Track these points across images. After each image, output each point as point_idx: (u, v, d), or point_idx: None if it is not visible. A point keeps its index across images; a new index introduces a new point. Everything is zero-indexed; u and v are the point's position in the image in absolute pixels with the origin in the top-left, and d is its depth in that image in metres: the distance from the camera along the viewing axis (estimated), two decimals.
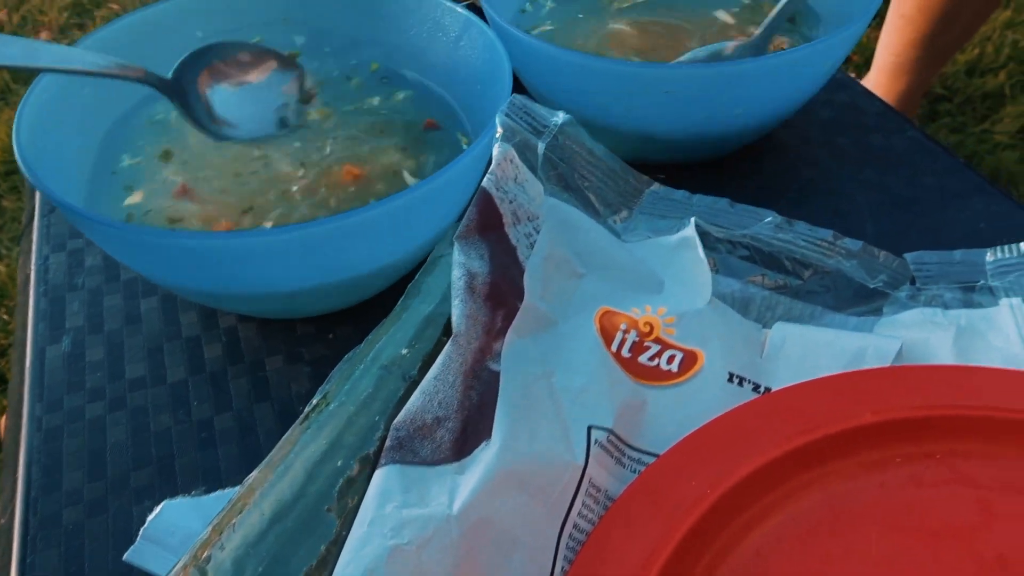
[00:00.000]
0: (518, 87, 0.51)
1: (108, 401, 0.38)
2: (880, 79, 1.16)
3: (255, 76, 0.42)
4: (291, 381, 0.39)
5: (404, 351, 0.31)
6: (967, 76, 1.50)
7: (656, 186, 0.40)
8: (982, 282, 0.38)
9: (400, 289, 0.35)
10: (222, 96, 0.41)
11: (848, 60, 1.54)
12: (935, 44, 1.06)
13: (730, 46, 0.48)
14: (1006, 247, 0.39)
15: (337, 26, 0.48)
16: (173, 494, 0.33)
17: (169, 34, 0.45)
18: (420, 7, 0.45)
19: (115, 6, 1.78)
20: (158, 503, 0.31)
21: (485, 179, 0.33)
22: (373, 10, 0.47)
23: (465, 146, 0.43)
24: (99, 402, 0.38)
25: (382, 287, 0.40)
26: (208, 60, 0.41)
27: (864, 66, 1.35)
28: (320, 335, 0.41)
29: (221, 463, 0.36)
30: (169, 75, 0.41)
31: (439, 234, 0.37)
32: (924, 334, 0.36)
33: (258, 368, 0.40)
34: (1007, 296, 0.37)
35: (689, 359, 0.34)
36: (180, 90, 0.41)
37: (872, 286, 0.39)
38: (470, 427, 0.29)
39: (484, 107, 0.41)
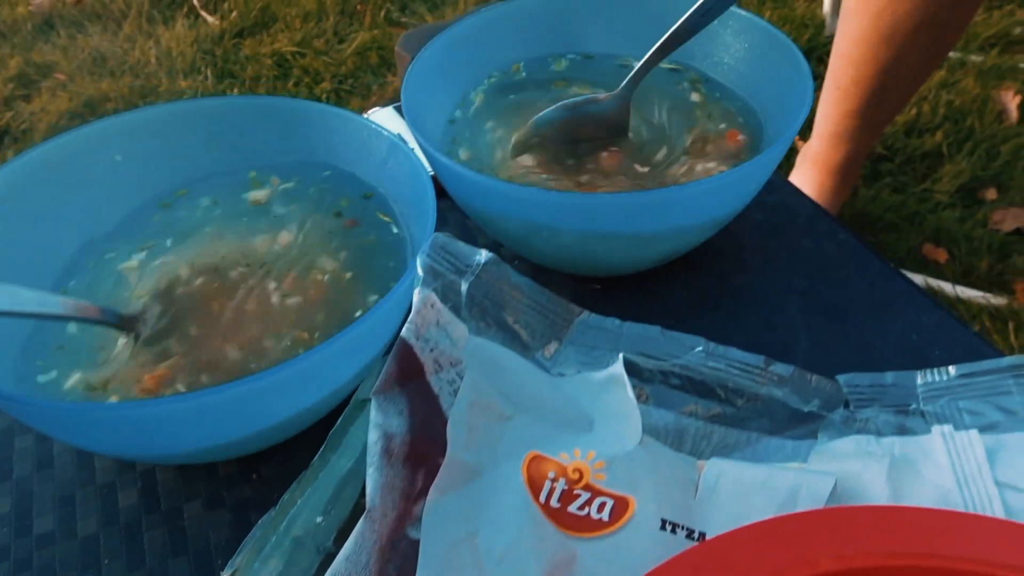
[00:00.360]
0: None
1: (14, 561, 0.36)
2: (821, 147, 1.19)
3: None
4: (211, 529, 0.37)
5: (319, 519, 0.30)
6: (906, 136, 1.55)
7: (585, 315, 0.39)
8: (914, 406, 0.38)
9: (330, 421, 0.33)
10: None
11: None
12: (871, 115, 1.09)
13: (602, 95, 0.49)
14: (935, 370, 0.39)
15: (265, 144, 0.47)
16: None
17: (88, 157, 0.44)
18: (345, 127, 0.45)
19: (61, 76, 1.76)
20: None
21: (404, 329, 0.32)
22: (301, 131, 0.46)
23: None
24: (3, 563, 0.36)
25: (306, 426, 0.39)
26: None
27: (806, 129, 1.38)
28: (243, 476, 0.39)
29: None
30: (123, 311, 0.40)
31: (361, 374, 0.36)
32: (858, 466, 0.36)
33: (175, 516, 0.38)
34: (939, 423, 0.37)
35: (620, 506, 0.34)
36: (134, 326, 0.40)
37: (806, 410, 0.39)
38: None
39: (413, 234, 0.40)
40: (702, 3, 0.45)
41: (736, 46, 0.52)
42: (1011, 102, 1.54)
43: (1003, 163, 1.46)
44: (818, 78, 1.17)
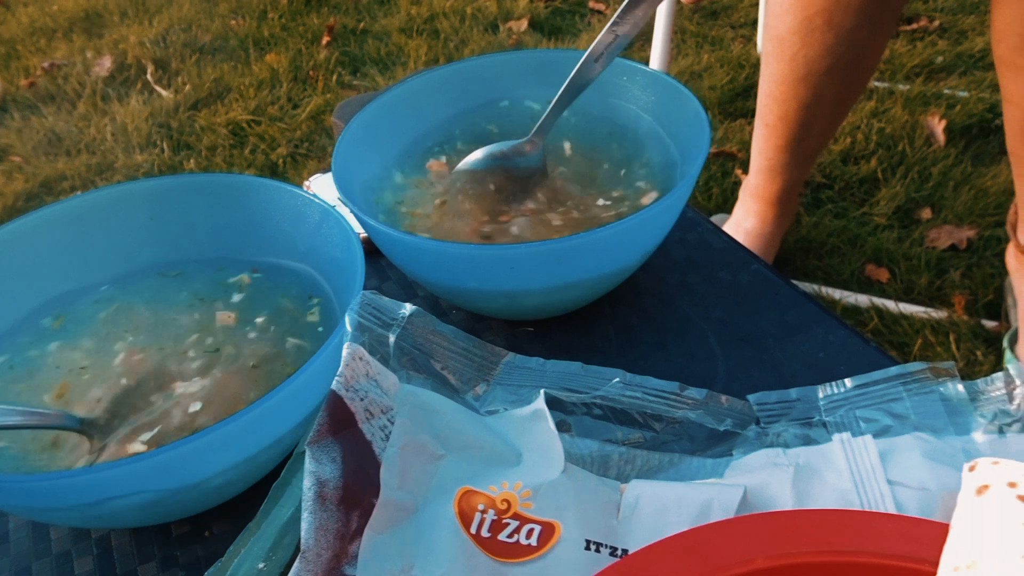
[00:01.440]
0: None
1: None
2: (758, 180, 1.24)
3: None
4: None
5: (261, 565, 0.32)
6: (843, 164, 1.61)
7: (510, 356, 0.42)
8: (817, 418, 0.42)
9: (277, 476, 0.36)
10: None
11: (734, 157, 1.64)
12: (799, 148, 1.14)
13: (520, 142, 0.53)
14: (834, 383, 0.42)
15: (206, 219, 0.50)
16: None
17: (33, 245, 0.46)
18: (281, 197, 0.48)
19: (16, 158, 1.78)
20: None
21: (334, 382, 0.35)
22: (238, 203, 0.49)
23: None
24: None
25: (254, 482, 0.41)
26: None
27: (748, 162, 1.45)
28: (196, 534, 0.41)
29: None
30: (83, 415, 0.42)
31: (299, 428, 0.39)
32: (766, 477, 0.39)
33: None
34: (838, 431, 0.41)
35: (547, 531, 0.36)
36: (97, 428, 0.42)
37: (721, 429, 0.42)
38: None
39: (344, 290, 0.43)
40: (592, 50, 0.49)
41: (644, 99, 0.56)
42: (937, 127, 1.62)
43: (935, 184, 1.53)
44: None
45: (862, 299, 1.31)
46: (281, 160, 1.71)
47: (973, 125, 1.63)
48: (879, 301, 1.31)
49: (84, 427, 0.41)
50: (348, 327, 0.37)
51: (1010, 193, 1.44)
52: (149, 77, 2.01)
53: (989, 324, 1.25)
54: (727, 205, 1.47)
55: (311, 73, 1.99)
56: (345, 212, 0.47)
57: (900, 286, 1.34)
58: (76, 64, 2.10)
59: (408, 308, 0.39)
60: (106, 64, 2.06)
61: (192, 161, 1.72)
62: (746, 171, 1.38)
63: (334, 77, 1.97)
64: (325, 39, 2.10)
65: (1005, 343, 1.15)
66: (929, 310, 1.28)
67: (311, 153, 1.75)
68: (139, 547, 0.41)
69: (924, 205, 1.50)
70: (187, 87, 1.96)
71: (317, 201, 0.46)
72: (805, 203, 1.50)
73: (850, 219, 1.49)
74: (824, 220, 1.50)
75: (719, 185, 1.56)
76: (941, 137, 1.60)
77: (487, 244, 0.49)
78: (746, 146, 1.56)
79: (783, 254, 1.39)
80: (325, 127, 1.81)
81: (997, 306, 1.29)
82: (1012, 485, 0.32)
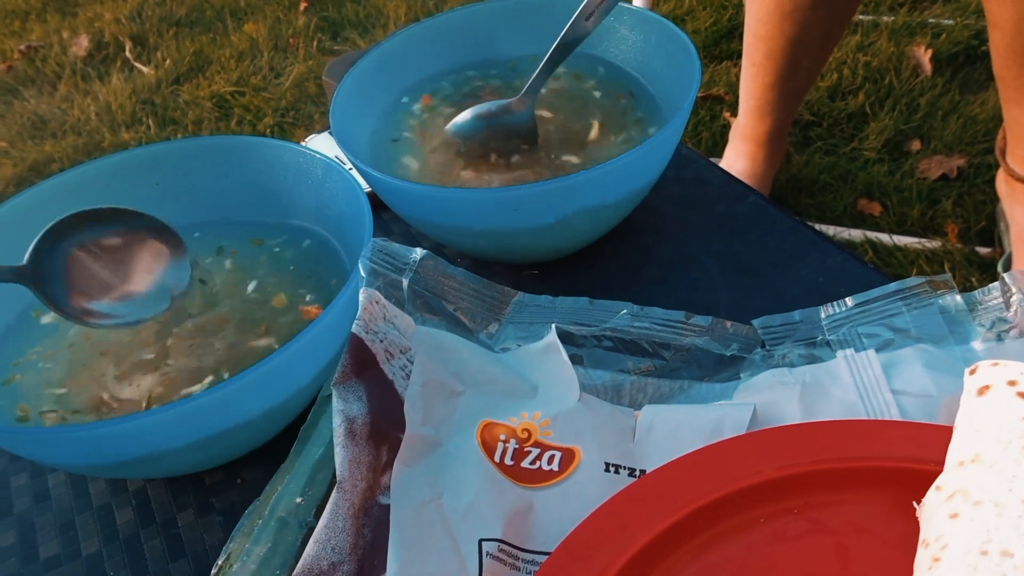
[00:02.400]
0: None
1: None
2: (747, 121, 1.24)
3: (135, 256, 0.43)
4: (204, 533, 0.41)
5: (299, 499, 0.34)
6: (831, 100, 1.61)
7: (520, 295, 0.43)
8: (820, 337, 0.43)
9: (302, 422, 0.37)
10: (95, 279, 0.42)
11: (722, 100, 1.64)
12: (787, 85, 1.15)
13: (510, 101, 0.53)
14: (836, 303, 0.43)
15: (211, 182, 0.51)
16: None
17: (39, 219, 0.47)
18: (283, 155, 0.49)
19: (2, 143, 1.77)
20: None
21: (354, 325, 0.36)
22: (242, 165, 0.50)
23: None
24: None
25: (280, 429, 0.42)
26: (74, 240, 0.41)
27: (736, 104, 1.45)
28: (229, 481, 0.43)
29: None
30: (24, 260, 0.40)
31: (322, 373, 0.40)
32: (774, 395, 0.40)
33: (170, 526, 0.41)
34: (842, 348, 0.42)
35: (568, 456, 0.38)
36: (37, 276, 0.39)
37: (728, 354, 0.44)
38: (366, 565, 0.32)
39: (353, 245, 0.44)
40: (583, 8, 0.49)
41: (632, 38, 0.57)
42: (924, 56, 1.61)
43: (923, 115, 1.53)
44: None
45: (856, 234, 1.32)
46: (268, 130, 1.70)
47: (959, 53, 1.63)
48: (873, 235, 1.32)
49: (16, 277, 0.39)
50: (362, 273, 0.38)
51: (998, 119, 1.44)
52: (128, 54, 1.98)
53: (983, 251, 1.27)
54: (717, 149, 1.47)
55: (291, 40, 1.97)
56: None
57: (893, 219, 1.35)
58: (53, 45, 2.07)
59: (419, 252, 0.40)
60: (83, 43, 2.04)
61: (179, 135, 1.71)
62: (735, 114, 1.38)
63: (315, 43, 1.95)
64: (303, 5, 2.08)
65: (1000, 268, 1.17)
66: (923, 240, 1.29)
67: (298, 122, 1.74)
68: (175, 497, 0.42)
69: (913, 137, 1.50)
70: (167, 62, 1.93)
71: (320, 156, 0.47)
72: (795, 141, 1.51)
73: (840, 155, 1.49)
74: (814, 158, 1.50)
75: (708, 129, 1.56)
76: (928, 67, 1.60)
77: (489, 187, 0.50)
78: (733, 88, 1.55)
79: (775, 193, 1.39)
80: (309, 95, 1.80)
81: (990, 232, 1.30)
82: (1012, 383, 0.34)
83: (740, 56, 1.20)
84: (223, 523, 0.41)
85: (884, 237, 1.31)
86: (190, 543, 0.40)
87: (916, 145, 1.48)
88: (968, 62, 1.61)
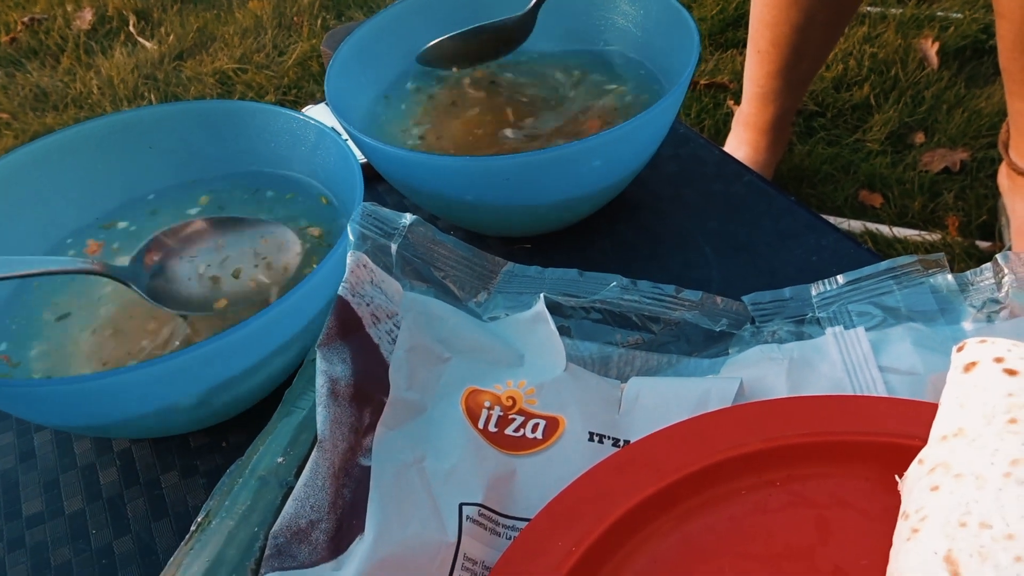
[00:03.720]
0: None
1: (7, 543, 0.39)
2: (750, 108, 1.24)
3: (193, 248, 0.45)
4: (187, 495, 0.41)
5: (280, 459, 0.34)
6: (835, 91, 1.60)
7: (510, 265, 0.43)
8: (810, 314, 0.43)
9: (286, 388, 0.37)
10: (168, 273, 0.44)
11: (726, 88, 1.63)
12: (792, 74, 1.14)
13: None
14: (827, 280, 0.43)
15: (204, 147, 0.50)
16: None
17: (30, 180, 0.47)
18: (276, 121, 0.48)
19: (3, 115, 1.76)
20: None
21: (340, 288, 0.36)
22: (234, 130, 0.49)
23: None
24: None
25: (266, 394, 0.42)
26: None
27: (740, 93, 1.44)
28: (214, 444, 0.43)
29: None
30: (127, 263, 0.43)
31: (303, 334, 0.40)
32: (761, 370, 0.40)
33: (154, 487, 0.41)
34: (831, 325, 0.42)
35: (552, 425, 0.38)
36: (134, 275, 0.43)
37: (717, 329, 0.43)
38: (345, 524, 0.31)
39: (345, 208, 0.44)
40: None
41: (632, 13, 0.56)
42: (930, 49, 1.60)
43: (928, 108, 1.52)
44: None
45: (856, 225, 1.32)
46: None
47: (967, 47, 1.62)
48: (873, 226, 1.31)
49: (119, 275, 0.42)
50: (351, 236, 0.38)
51: (1003, 114, 1.43)
52: (132, 29, 1.98)
53: (983, 244, 1.26)
54: (719, 137, 1.46)
55: (295, 19, 1.96)
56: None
57: (894, 211, 1.35)
58: (56, 18, 2.06)
59: (408, 218, 0.40)
60: (87, 17, 2.03)
61: None
62: (738, 102, 1.38)
63: (319, 21, 1.94)
64: None
65: None
66: (923, 233, 1.29)
67: (300, 100, 1.73)
68: (160, 458, 0.42)
69: (917, 129, 1.50)
70: (171, 38, 1.93)
71: (313, 122, 0.47)
72: (798, 132, 1.50)
73: (843, 146, 1.49)
74: (817, 148, 1.49)
75: (711, 117, 1.55)
76: (934, 60, 1.59)
77: (482, 156, 0.49)
78: (738, 76, 1.54)
79: (776, 182, 1.39)
80: (312, 73, 1.80)
81: (991, 227, 1.29)
82: (998, 360, 0.34)
83: (746, 44, 1.19)
84: (206, 485, 0.41)
85: (884, 229, 1.30)
86: (173, 504, 0.40)
87: (920, 138, 1.47)
88: (975, 56, 1.60)
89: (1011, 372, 0.33)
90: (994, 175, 1.33)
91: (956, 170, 1.39)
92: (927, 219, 1.33)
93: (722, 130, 1.50)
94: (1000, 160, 1.20)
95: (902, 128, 1.49)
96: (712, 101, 1.59)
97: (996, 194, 1.29)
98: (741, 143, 1.29)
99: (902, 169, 1.41)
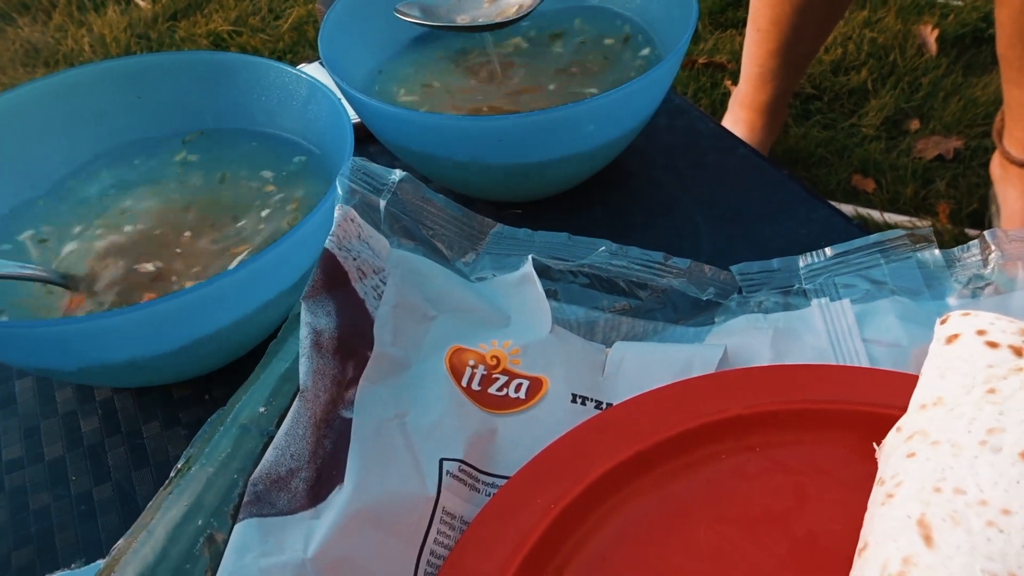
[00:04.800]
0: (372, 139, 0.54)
1: None
2: (748, 88, 1.23)
3: None
4: (169, 445, 0.41)
5: (262, 409, 0.34)
6: (833, 75, 1.60)
7: (499, 227, 0.43)
8: (797, 286, 0.43)
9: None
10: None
11: (724, 68, 1.62)
12: (791, 54, 1.13)
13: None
14: (815, 252, 0.43)
15: (193, 99, 0.50)
16: (53, 569, 0.35)
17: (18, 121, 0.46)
18: (268, 74, 0.48)
19: None
20: None
21: (327, 241, 0.36)
22: (225, 83, 0.49)
23: None
24: None
25: (251, 347, 0.42)
26: None
27: (738, 74, 1.43)
28: (197, 397, 0.43)
29: (102, 534, 0.37)
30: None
31: (290, 291, 0.40)
32: (746, 339, 0.40)
33: (135, 436, 0.41)
34: (817, 297, 0.42)
35: (535, 385, 0.38)
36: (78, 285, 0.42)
37: (704, 298, 0.43)
38: (324, 474, 0.31)
39: (335, 166, 0.43)
40: None
41: None
42: (930, 36, 1.60)
43: (925, 95, 1.52)
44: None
45: (847, 209, 1.32)
46: None
47: (966, 35, 1.61)
48: (864, 211, 1.32)
49: (69, 283, 0.42)
50: (339, 190, 0.38)
51: (999, 103, 1.43)
52: None
53: (972, 232, 1.27)
54: (715, 118, 1.46)
55: None
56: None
57: (886, 196, 1.35)
58: None
59: (398, 174, 0.40)
60: None
61: None
62: (736, 82, 1.37)
63: None
64: None
65: None
66: (914, 219, 1.29)
67: (295, 65, 1.72)
68: (142, 409, 0.42)
69: (913, 116, 1.50)
70: None
71: (305, 76, 0.46)
72: (794, 114, 1.50)
73: (838, 130, 1.49)
74: (812, 131, 1.49)
75: (708, 96, 1.55)
76: (933, 47, 1.58)
77: (475, 115, 0.49)
78: (737, 56, 1.54)
79: None
80: (308, 39, 1.78)
81: (981, 215, 1.30)
82: (981, 333, 0.34)
83: (746, 24, 1.18)
84: (188, 436, 0.41)
85: (875, 214, 1.31)
86: (154, 453, 0.40)
87: (915, 124, 1.47)
88: (974, 44, 1.59)
89: (993, 344, 0.33)
90: (987, 164, 1.33)
91: (950, 158, 1.39)
92: (918, 205, 1.34)
93: (719, 110, 1.50)
94: (994, 149, 1.20)
95: (898, 114, 1.49)
96: (710, 81, 1.58)
97: (988, 182, 1.30)
98: (737, 122, 1.29)
99: (896, 155, 1.41)
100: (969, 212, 1.30)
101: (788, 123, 1.46)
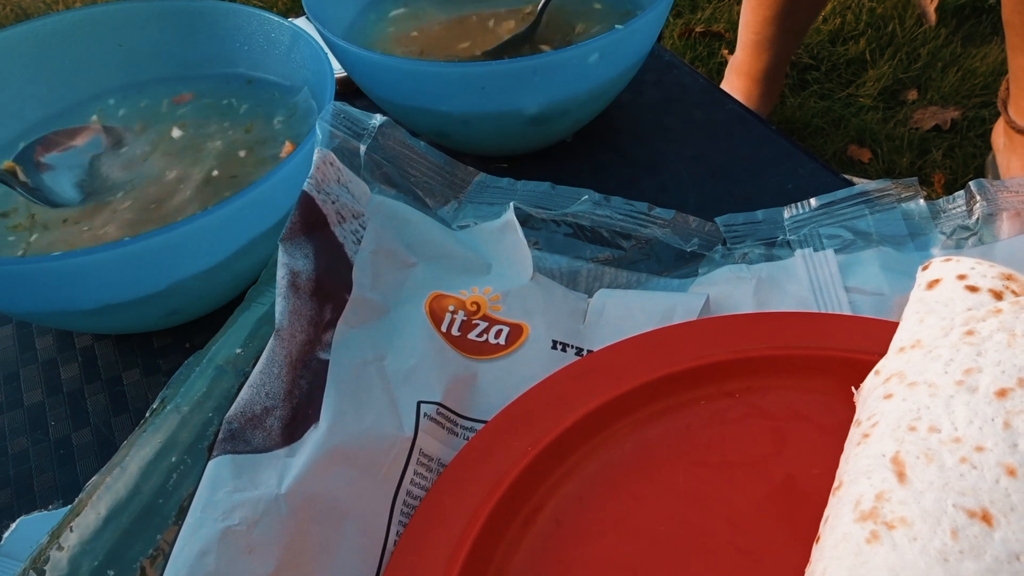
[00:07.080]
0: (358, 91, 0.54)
1: None
2: (744, 56, 1.22)
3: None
4: (149, 392, 0.41)
5: (239, 350, 0.33)
6: (831, 45, 1.58)
7: (481, 176, 0.43)
8: (781, 237, 0.43)
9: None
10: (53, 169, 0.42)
11: (722, 37, 1.61)
12: (788, 21, 1.12)
13: None
14: (800, 203, 0.43)
15: (176, 47, 0.49)
16: (31, 511, 0.35)
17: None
18: (250, 22, 0.47)
19: None
20: (15, 521, 0.33)
21: (305, 183, 0.35)
22: (208, 31, 0.48)
23: None
24: None
25: (231, 297, 0.42)
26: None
27: (735, 44, 1.42)
28: (178, 345, 0.42)
29: (80, 478, 0.37)
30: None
31: (269, 234, 0.39)
32: (729, 288, 0.40)
33: (115, 383, 0.41)
34: (801, 248, 0.42)
35: (515, 332, 0.37)
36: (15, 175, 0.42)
37: (688, 249, 0.43)
38: (300, 414, 0.31)
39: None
40: None
41: None
42: (929, 6, 1.58)
43: (923, 65, 1.51)
44: None
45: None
46: None
47: (966, 5, 1.60)
48: (859, 181, 1.31)
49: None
50: (319, 134, 0.37)
51: (999, 73, 1.42)
52: None
53: None
54: (685, 60, 1.45)
55: None
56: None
57: (882, 166, 1.34)
58: None
59: (379, 118, 0.39)
60: None
61: None
62: (732, 51, 1.36)
63: None
64: None
65: None
66: None
67: None
68: (122, 356, 0.42)
69: (911, 86, 1.49)
70: None
71: (288, 24, 0.46)
72: (791, 84, 1.48)
73: (835, 100, 1.48)
74: (809, 101, 1.48)
75: (704, 65, 1.53)
76: (932, 17, 1.57)
77: (457, 62, 0.48)
78: (734, 26, 1.52)
79: None
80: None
81: None
82: (961, 277, 0.34)
83: None
84: None
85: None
86: (134, 400, 0.40)
87: (913, 95, 1.46)
88: (974, 14, 1.58)
89: (973, 288, 0.33)
90: (984, 135, 1.32)
91: (946, 128, 1.38)
92: (914, 175, 1.33)
93: (715, 79, 1.48)
94: (992, 120, 1.19)
95: (895, 84, 1.48)
96: (706, 50, 1.57)
97: (984, 152, 1.29)
98: (733, 90, 1.28)
99: (892, 125, 1.40)
100: (964, 182, 1.30)
101: (785, 93, 1.45)
